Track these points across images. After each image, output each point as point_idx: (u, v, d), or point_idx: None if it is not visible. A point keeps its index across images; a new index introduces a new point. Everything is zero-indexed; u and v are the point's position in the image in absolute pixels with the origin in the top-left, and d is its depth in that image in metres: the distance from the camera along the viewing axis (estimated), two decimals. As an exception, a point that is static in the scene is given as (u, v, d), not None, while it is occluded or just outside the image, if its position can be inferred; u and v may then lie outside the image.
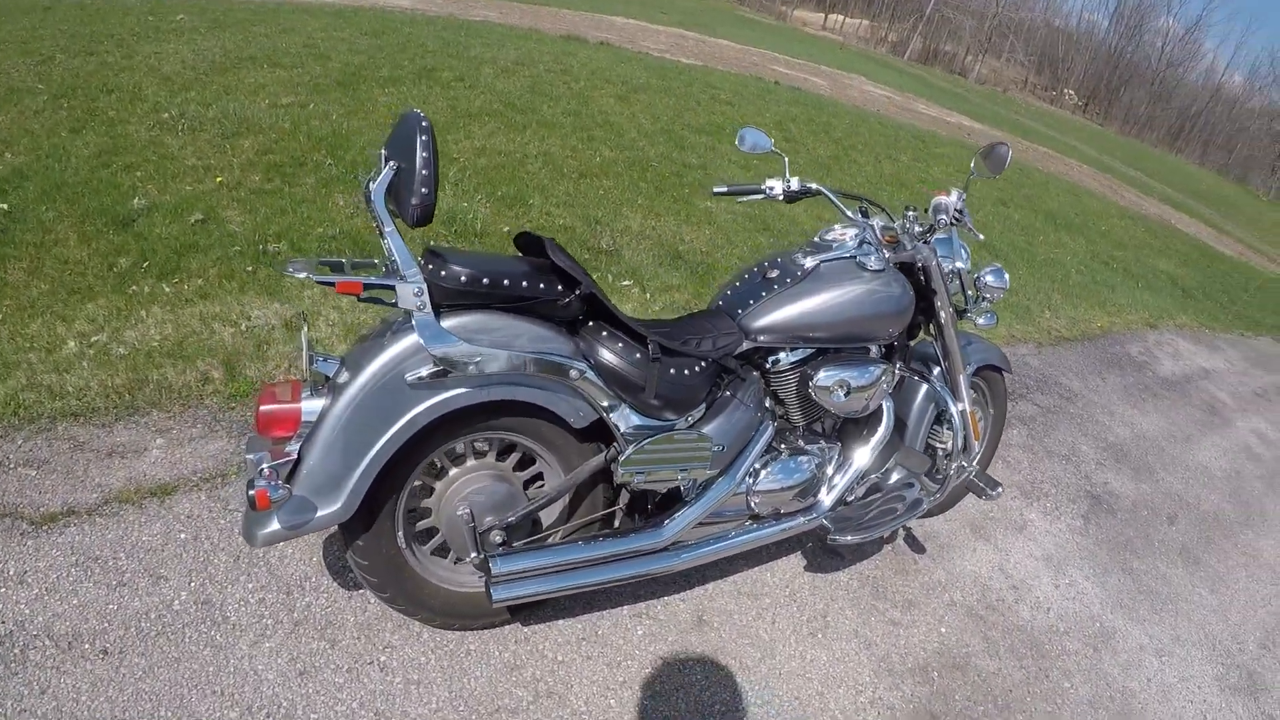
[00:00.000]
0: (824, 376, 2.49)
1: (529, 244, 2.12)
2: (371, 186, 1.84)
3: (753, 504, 2.58)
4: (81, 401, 3.00)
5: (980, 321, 3.00)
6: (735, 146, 2.89)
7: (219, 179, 4.78)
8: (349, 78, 7.29)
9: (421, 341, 1.91)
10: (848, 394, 2.53)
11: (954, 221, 2.78)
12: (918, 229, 2.77)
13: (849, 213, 2.77)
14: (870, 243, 2.63)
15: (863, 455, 2.75)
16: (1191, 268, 12.26)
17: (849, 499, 2.83)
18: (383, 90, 7.15)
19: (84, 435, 2.88)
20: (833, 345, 2.54)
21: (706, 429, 2.38)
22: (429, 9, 11.93)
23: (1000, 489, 3.01)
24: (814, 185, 2.74)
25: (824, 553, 3.17)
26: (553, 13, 14.83)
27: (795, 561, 3.08)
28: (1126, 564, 3.79)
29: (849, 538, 2.70)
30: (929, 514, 3.55)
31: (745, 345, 2.44)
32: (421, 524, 2.30)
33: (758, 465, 2.55)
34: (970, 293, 3.02)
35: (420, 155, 1.78)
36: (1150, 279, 10.26)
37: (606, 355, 2.16)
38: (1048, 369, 5.77)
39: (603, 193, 5.73)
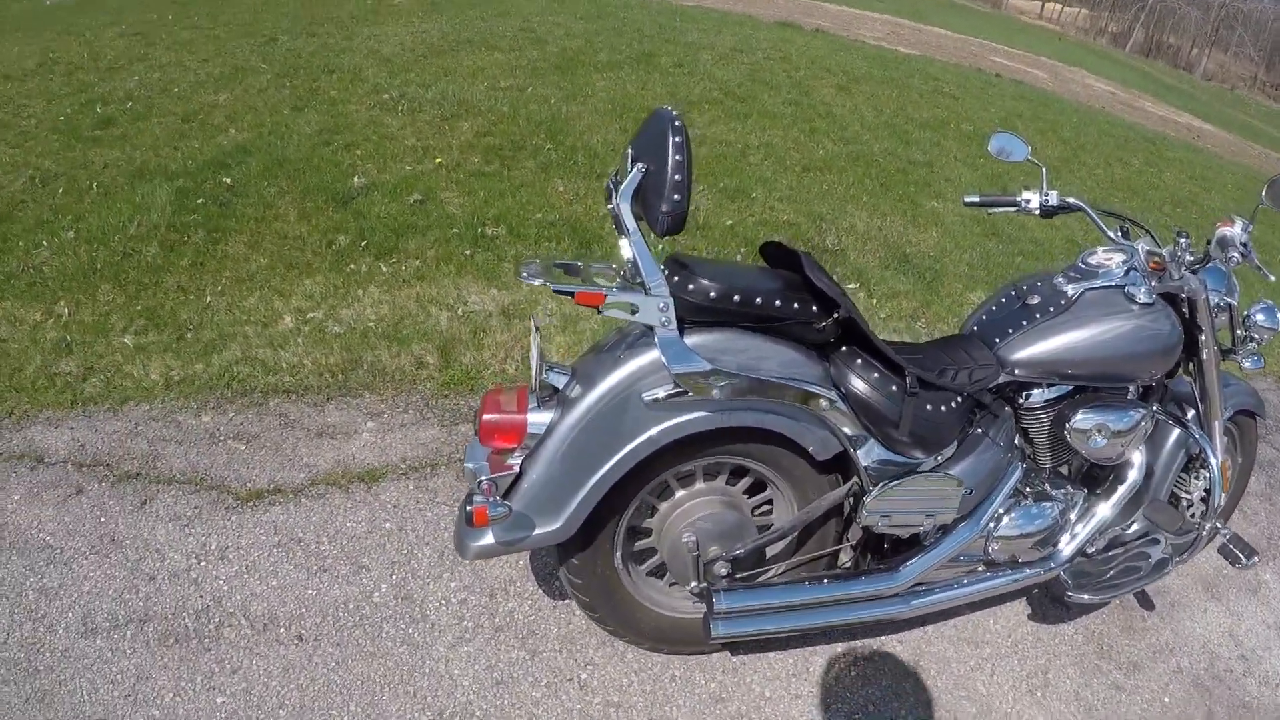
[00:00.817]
0: (1082, 418, 2.22)
1: (777, 256, 1.95)
2: (618, 188, 1.69)
3: (991, 549, 2.34)
4: (295, 378, 2.93)
5: (1246, 365, 2.59)
6: (987, 152, 2.59)
7: (438, 160, 4.70)
8: (566, 62, 7.19)
9: (664, 359, 1.74)
10: (1106, 439, 2.24)
11: (1241, 257, 2.33)
12: (1189, 258, 2.38)
13: (1110, 233, 2.48)
14: (1137, 270, 2.27)
15: (1109, 505, 2.46)
16: None
17: (1089, 550, 2.52)
18: (601, 75, 7.01)
19: (295, 413, 2.81)
20: (1092, 384, 2.27)
21: (956, 469, 2.16)
22: (637, -10, 11.81)
23: (1257, 559, 2.60)
24: (1074, 200, 2.47)
25: (1049, 600, 2.85)
26: (765, -2, 14.49)
27: (1019, 608, 2.79)
28: None
29: (1086, 597, 2.44)
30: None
31: (1002, 378, 2.19)
32: (641, 544, 2.17)
33: (1001, 510, 2.30)
34: (1239, 332, 2.57)
35: (673, 158, 1.61)
36: None
37: (859, 385, 1.95)
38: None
39: (826, 188, 5.34)
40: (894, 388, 1.95)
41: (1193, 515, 2.72)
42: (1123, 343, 2.19)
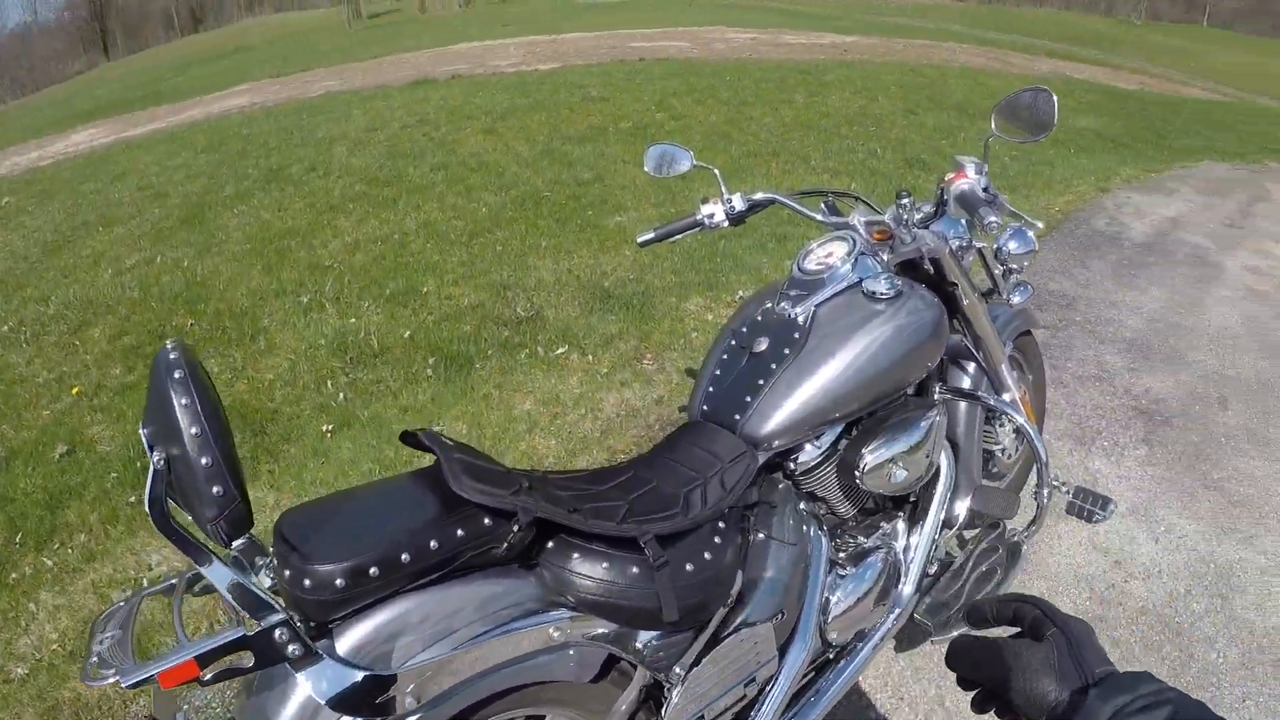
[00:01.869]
0: (871, 459, 1.76)
1: (421, 444, 1.37)
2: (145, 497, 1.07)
3: (831, 639, 1.89)
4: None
5: (1015, 300, 2.34)
6: (646, 172, 2.29)
7: (75, 389, 4.03)
8: (192, 211, 6.55)
9: (317, 698, 1.16)
10: (906, 467, 1.82)
11: (995, 219, 1.93)
12: (918, 215, 2.08)
13: (817, 216, 2.09)
14: (865, 254, 1.90)
15: (930, 519, 2.07)
16: (1109, 116, 12.10)
17: (930, 571, 2.19)
18: (231, 212, 6.42)
19: None
20: (866, 412, 1.85)
21: (754, 605, 1.65)
22: (266, 100, 11.15)
23: (1114, 505, 2.41)
24: (763, 195, 2.17)
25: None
26: (395, 61, 14.09)
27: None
28: (1207, 477, 3.46)
29: (954, 633, 2.04)
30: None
31: (760, 460, 1.70)
32: None
33: (820, 599, 1.83)
34: (997, 270, 2.34)
35: (188, 431, 1.05)
36: (1079, 141, 10.04)
37: (588, 586, 1.38)
38: (1034, 279, 5.17)
39: (500, 248, 4.98)
40: (635, 570, 1.41)
41: (1010, 459, 2.56)
42: (884, 353, 1.80)
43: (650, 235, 2.20)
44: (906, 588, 2.05)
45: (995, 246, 2.30)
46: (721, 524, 1.55)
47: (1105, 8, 56.57)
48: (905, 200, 2.02)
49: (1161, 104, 14.87)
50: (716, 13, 25.53)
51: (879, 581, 1.95)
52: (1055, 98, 2.03)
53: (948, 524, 2.20)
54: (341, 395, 3.71)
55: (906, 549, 2.07)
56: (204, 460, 1.05)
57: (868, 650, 1.99)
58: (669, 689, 1.54)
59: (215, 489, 1.06)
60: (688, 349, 4.07)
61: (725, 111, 9.12)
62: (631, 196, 6.10)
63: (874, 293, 1.83)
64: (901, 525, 2.08)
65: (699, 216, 2.18)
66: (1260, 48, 44.73)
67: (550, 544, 1.38)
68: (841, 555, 1.96)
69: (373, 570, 1.16)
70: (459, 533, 1.25)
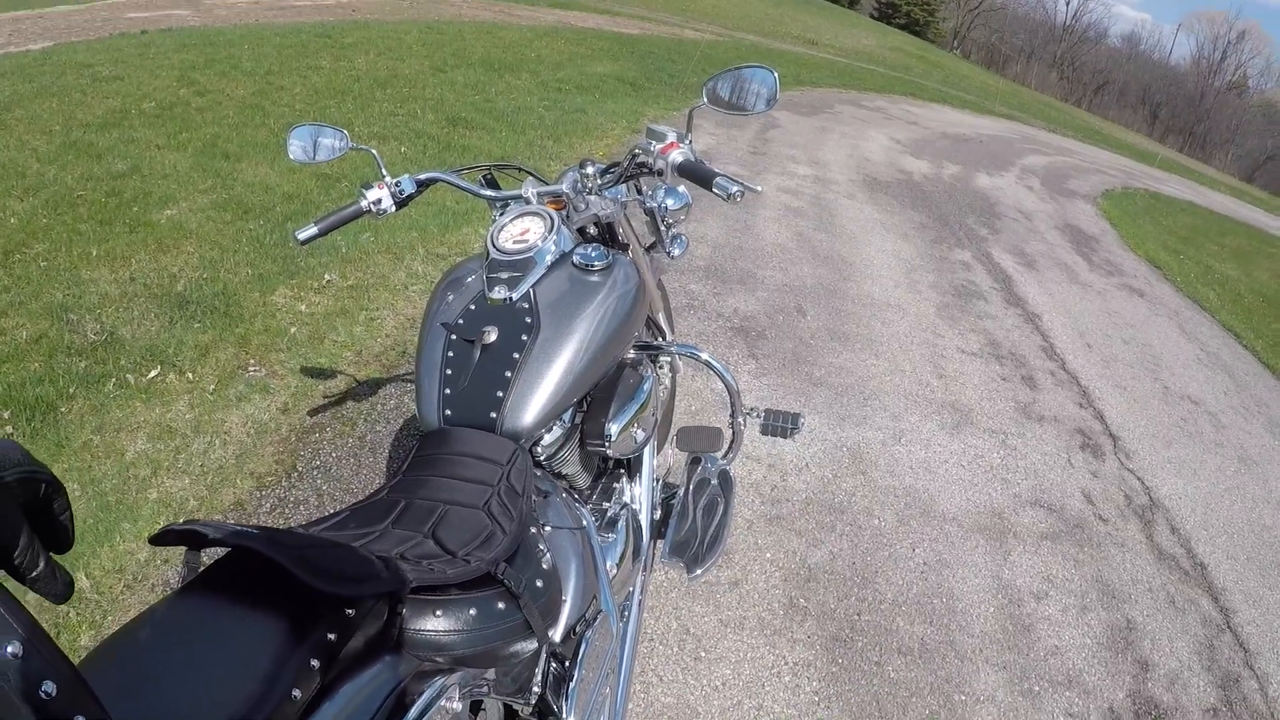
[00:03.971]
0: (615, 430, 1.79)
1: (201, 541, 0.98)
2: None
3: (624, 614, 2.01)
4: None
5: (676, 252, 2.45)
6: (291, 159, 2.21)
7: None
8: None
9: None
10: (643, 428, 1.91)
11: (726, 191, 1.93)
12: (598, 183, 2.14)
13: (487, 192, 2.15)
14: (561, 226, 1.93)
15: (646, 468, 2.22)
16: (624, 61, 13.09)
17: (655, 518, 2.31)
18: None
19: None
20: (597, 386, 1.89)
21: (576, 600, 1.52)
22: None
23: (803, 419, 2.62)
24: (429, 175, 2.16)
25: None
26: None
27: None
28: (811, 376, 4.31)
29: (701, 568, 2.19)
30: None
31: (528, 456, 1.63)
32: None
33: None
34: (661, 226, 2.41)
35: None
36: (601, 88, 10.79)
37: (460, 640, 1.17)
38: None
39: (45, 263, 4.46)
40: (499, 604, 1.24)
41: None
42: (612, 322, 1.80)
43: (313, 230, 2.07)
44: (645, 539, 2.18)
45: (653, 205, 2.35)
46: (533, 529, 1.47)
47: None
48: (590, 169, 2.09)
49: (667, 47, 16.34)
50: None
51: (630, 541, 2.01)
52: (776, 75, 2.11)
53: (661, 470, 2.43)
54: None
55: (637, 503, 2.19)
56: None
57: (636, 610, 2.14)
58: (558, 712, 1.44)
59: None
60: (294, 347, 4.00)
61: (252, 84, 8.69)
62: (177, 185, 5.71)
63: (588, 265, 1.86)
64: (625, 483, 2.17)
65: (364, 204, 2.09)
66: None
67: (402, 610, 1.12)
68: (597, 525, 1.98)
69: None
70: (330, 637, 0.96)
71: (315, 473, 3.31)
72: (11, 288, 4.15)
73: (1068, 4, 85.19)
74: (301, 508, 3.13)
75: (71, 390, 3.44)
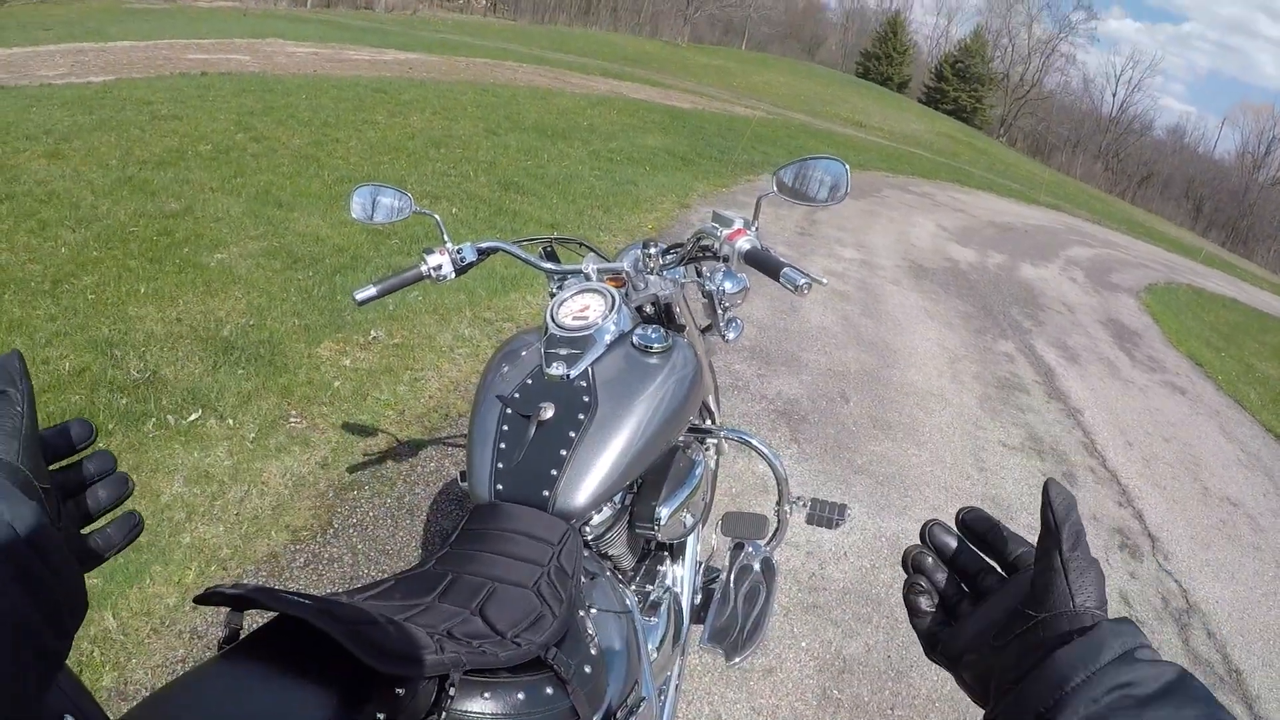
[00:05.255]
0: (665, 514, 1.74)
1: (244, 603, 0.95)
2: None
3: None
4: None
5: (730, 336, 2.34)
6: (352, 218, 2.19)
7: None
8: None
9: None
10: (692, 513, 1.86)
11: (799, 283, 1.88)
12: (661, 263, 2.14)
13: (547, 265, 2.13)
14: (622, 305, 1.89)
15: (690, 553, 2.15)
16: (674, 135, 13.25)
17: (695, 603, 2.25)
18: None
19: None
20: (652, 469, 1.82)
21: (616, 684, 1.43)
22: None
23: (850, 510, 2.56)
24: (490, 244, 2.14)
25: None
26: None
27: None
28: (852, 463, 4.32)
29: (739, 657, 2.12)
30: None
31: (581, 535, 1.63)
32: None
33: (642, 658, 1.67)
34: (719, 311, 2.33)
35: None
36: (653, 160, 10.88)
37: None
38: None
39: (93, 296, 4.41)
40: (548, 689, 1.17)
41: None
42: (669, 405, 1.75)
43: (371, 291, 2.05)
44: (685, 623, 2.10)
45: (710, 289, 2.29)
46: (580, 612, 1.41)
47: (650, 30, 61.38)
48: (653, 250, 2.11)
49: (718, 122, 16.59)
50: (269, 24, 24.28)
51: (671, 625, 1.96)
52: (848, 168, 2.03)
53: (704, 554, 2.39)
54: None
55: (679, 586, 2.12)
56: None
57: (673, 694, 2.06)
58: None
59: None
60: (336, 401, 3.91)
61: (308, 134, 8.78)
62: (229, 230, 5.71)
63: (648, 346, 1.82)
64: (669, 565, 2.12)
65: (424, 269, 2.08)
66: (790, 69, 51.08)
67: (451, 690, 1.03)
68: (641, 608, 1.94)
69: None
70: (380, 717, 0.92)
71: (351, 530, 3.20)
72: (58, 317, 4.10)
73: (1114, 95, 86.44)
74: (335, 565, 3.02)
75: (111, 426, 3.37)
